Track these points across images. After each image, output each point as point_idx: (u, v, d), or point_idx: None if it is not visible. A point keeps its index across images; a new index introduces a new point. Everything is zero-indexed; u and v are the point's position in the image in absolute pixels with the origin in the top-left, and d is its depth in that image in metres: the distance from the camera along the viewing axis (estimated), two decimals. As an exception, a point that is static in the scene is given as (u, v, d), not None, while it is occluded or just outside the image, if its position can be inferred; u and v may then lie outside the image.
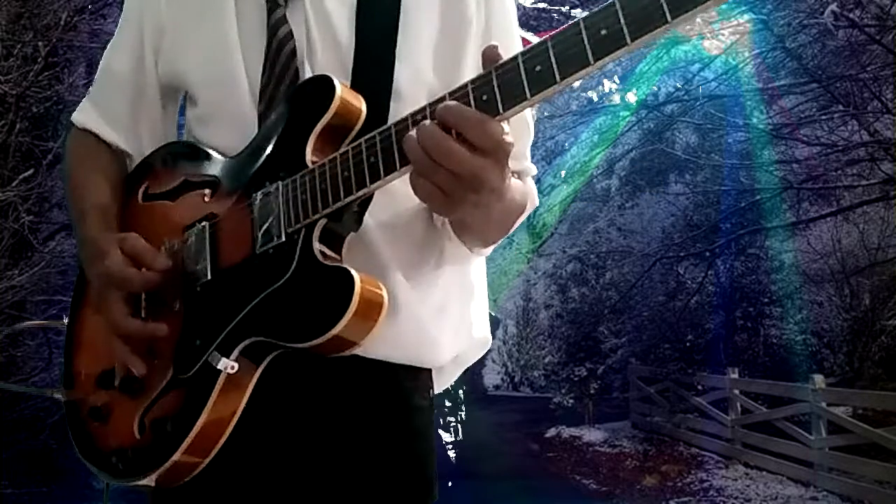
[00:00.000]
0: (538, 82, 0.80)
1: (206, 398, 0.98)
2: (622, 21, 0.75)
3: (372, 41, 1.08)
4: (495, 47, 0.85)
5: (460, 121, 0.83)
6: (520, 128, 1.16)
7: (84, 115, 1.27)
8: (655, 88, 10.99)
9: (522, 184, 1.12)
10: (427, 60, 1.11)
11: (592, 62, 0.77)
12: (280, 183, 0.99)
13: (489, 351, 1.30)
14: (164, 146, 1.22)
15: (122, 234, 1.09)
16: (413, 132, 0.85)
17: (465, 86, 0.86)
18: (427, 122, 0.85)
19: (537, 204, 1.20)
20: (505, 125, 0.85)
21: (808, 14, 8.31)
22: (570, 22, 0.80)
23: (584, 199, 14.56)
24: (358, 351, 0.97)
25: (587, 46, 0.77)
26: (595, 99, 10.38)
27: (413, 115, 0.89)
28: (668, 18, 0.72)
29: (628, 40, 0.74)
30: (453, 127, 0.84)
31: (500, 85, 0.83)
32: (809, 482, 8.19)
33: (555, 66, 0.79)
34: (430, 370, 1.17)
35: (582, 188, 13.34)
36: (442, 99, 0.87)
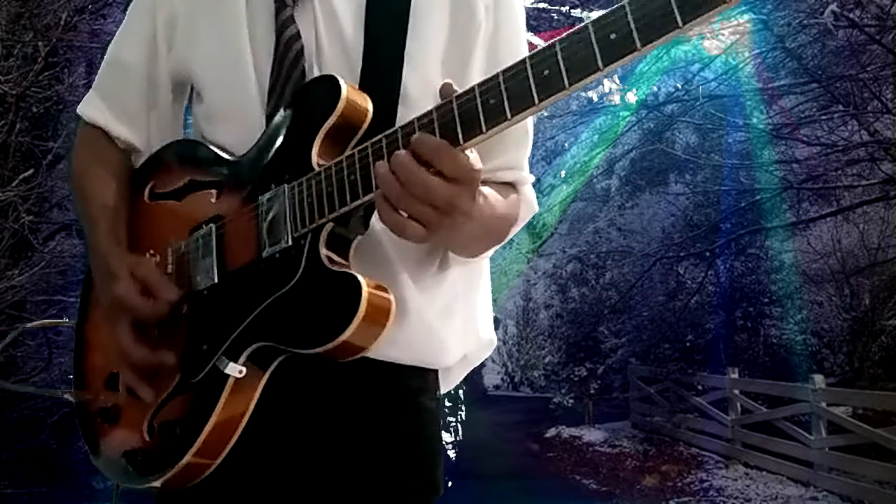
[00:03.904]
0: (546, 87, 0.79)
1: (215, 402, 0.98)
2: (632, 25, 0.73)
3: (380, 44, 1.07)
4: (450, 84, 0.87)
5: (433, 152, 0.85)
6: (519, 137, 1.15)
7: (92, 109, 1.24)
8: (655, 88, 10.96)
9: (505, 198, 1.09)
10: (435, 64, 1.10)
11: (602, 67, 0.75)
12: (286, 185, 0.99)
13: (489, 351, 1.30)
14: (169, 144, 1.20)
15: (134, 258, 1.09)
16: (383, 163, 0.87)
17: (472, 90, 0.85)
18: (401, 152, 0.86)
19: (536, 210, 1.20)
20: (471, 152, 0.87)
21: (808, 14, 8.29)
22: (579, 25, 0.78)
23: (584, 199, 14.56)
24: (365, 352, 0.96)
25: (596, 51, 0.76)
26: (595, 99, 10.35)
27: (419, 119, 0.88)
28: (680, 23, 0.70)
29: (638, 45, 0.73)
30: (427, 158, 0.85)
31: (508, 89, 0.82)
32: (809, 482, 8.18)
33: (563, 70, 0.78)
34: (437, 371, 1.17)
35: (582, 188, 13.34)
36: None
